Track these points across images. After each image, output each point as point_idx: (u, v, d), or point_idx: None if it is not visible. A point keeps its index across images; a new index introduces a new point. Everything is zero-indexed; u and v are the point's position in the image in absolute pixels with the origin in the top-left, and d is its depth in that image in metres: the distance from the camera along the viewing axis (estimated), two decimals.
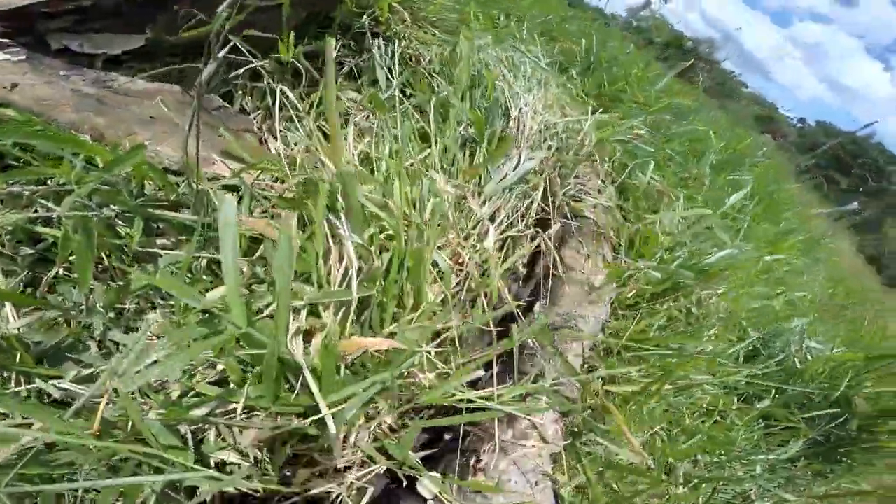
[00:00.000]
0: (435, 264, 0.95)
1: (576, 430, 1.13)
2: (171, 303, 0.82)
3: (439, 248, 1.00)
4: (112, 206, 0.86)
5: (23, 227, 0.81)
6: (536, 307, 1.21)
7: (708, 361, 1.70)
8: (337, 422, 0.66)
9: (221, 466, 0.73)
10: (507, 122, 1.47)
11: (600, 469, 1.10)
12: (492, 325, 1.03)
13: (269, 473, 0.72)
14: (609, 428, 1.11)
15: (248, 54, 1.21)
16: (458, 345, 0.93)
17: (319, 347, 0.72)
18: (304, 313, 0.76)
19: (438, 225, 0.96)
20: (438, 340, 0.94)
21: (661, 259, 1.74)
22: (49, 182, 0.85)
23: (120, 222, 0.87)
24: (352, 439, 0.77)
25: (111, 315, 0.80)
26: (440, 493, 0.78)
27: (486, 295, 1.01)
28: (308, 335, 0.76)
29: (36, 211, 0.82)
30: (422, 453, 0.87)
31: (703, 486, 1.45)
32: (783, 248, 2.89)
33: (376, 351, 0.80)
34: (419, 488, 0.79)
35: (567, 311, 1.23)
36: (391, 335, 0.84)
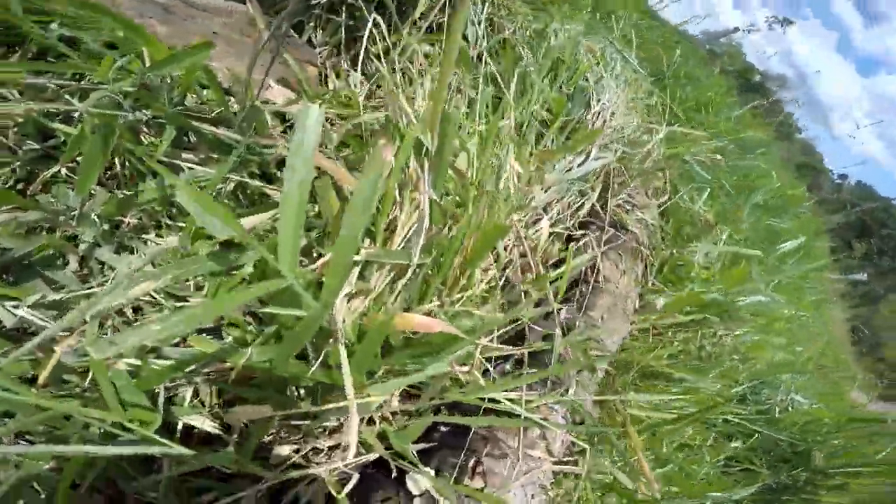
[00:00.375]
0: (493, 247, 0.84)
1: (584, 447, 1.05)
2: (182, 224, 0.70)
3: None
4: (144, 111, 0.74)
5: (36, 121, 0.68)
6: (563, 311, 1.11)
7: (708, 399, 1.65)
8: (360, 412, 0.56)
9: (189, 432, 0.62)
10: (585, 114, 1.34)
11: (601, 493, 1.03)
12: (527, 322, 0.92)
13: (244, 449, 0.60)
14: (624, 451, 1.03)
15: None
16: (493, 340, 0.81)
17: (369, 320, 0.61)
18: (356, 272, 0.63)
19: (505, 201, 0.84)
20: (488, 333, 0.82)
21: (690, 291, 1.64)
22: (82, 82, 0.72)
23: (147, 130, 0.75)
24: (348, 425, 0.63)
25: (105, 227, 0.67)
26: (435, 489, 0.68)
27: (525, 293, 0.90)
28: (350, 299, 0.64)
29: (57, 109, 0.69)
30: (419, 446, 0.77)
31: None
32: (804, 304, 2.78)
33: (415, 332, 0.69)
34: (408, 482, 0.70)
35: (596, 323, 1.13)
36: (427, 314, 0.73)
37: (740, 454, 2.02)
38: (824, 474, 2.05)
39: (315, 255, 0.72)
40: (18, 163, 0.69)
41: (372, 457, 0.68)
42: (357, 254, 0.62)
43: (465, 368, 0.74)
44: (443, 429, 0.86)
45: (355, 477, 0.63)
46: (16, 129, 0.70)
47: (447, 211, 0.74)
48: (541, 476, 0.83)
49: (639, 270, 1.51)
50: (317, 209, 0.77)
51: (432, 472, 0.70)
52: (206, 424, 0.59)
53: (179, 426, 0.59)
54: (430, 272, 0.73)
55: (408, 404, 0.75)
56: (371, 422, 0.73)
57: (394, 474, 0.68)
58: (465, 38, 1.28)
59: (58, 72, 0.71)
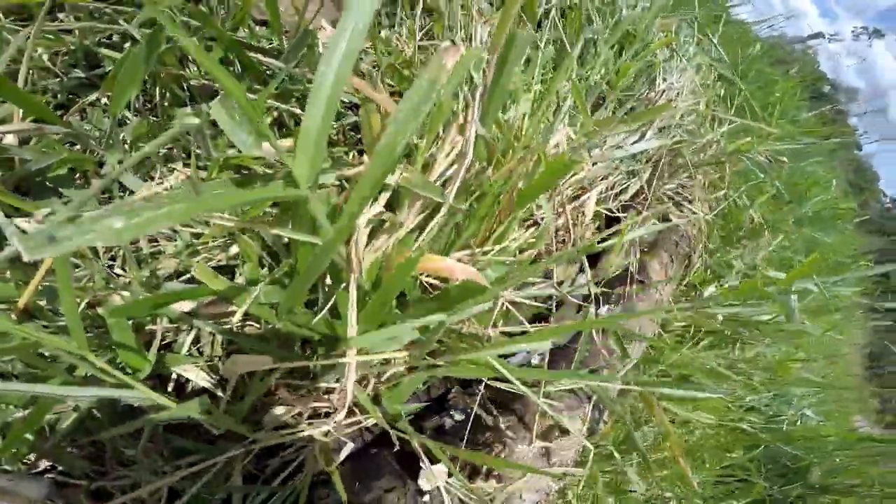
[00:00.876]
0: (539, 207, 0.75)
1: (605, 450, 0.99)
2: (215, 155, 0.62)
3: None
4: (197, 34, 0.67)
5: (84, 46, 0.63)
6: (604, 310, 1.01)
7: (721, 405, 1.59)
8: (362, 368, 0.49)
9: (182, 386, 0.57)
10: (648, 92, 1.21)
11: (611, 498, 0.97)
12: (559, 292, 0.84)
13: (237, 409, 0.54)
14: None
15: None
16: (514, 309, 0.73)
17: (390, 263, 0.52)
18: (382, 200, 0.53)
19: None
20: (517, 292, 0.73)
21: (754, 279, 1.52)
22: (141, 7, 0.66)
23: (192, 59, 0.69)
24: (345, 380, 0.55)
25: (133, 154, 0.61)
26: (448, 484, 0.61)
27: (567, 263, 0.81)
28: (373, 233, 0.55)
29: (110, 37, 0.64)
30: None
31: None
32: (830, 322, 2.61)
33: (437, 277, 0.61)
34: (421, 480, 0.62)
35: (633, 330, 1.04)
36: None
37: (739, 464, 1.98)
38: (818, 491, 2.04)
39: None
40: (59, 89, 0.66)
41: (369, 423, 0.61)
42: (392, 173, 0.52)
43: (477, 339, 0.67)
44: (456, 417, 0.79)
45: (349, 446, 0.57)
46: (66, 56, 0.66)
47: (492, 151, 0.65)
48: (554, 482, 0.76)
49: (680, 270, 1.40)
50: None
51: (446, 471, 0.63)
52: (200, 377, 0.54)
53: (172, 377, 0.55)
54: (462, 220, 0.65)
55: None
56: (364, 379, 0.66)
57: (395, 448, 0.61)
58: None
59: None
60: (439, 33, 0.89)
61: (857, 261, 3.63)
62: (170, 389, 0.57)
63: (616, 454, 1.04)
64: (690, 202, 1.48)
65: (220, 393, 0.54)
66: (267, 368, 0.51)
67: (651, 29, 1.37)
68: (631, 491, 1.17)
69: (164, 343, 0.56)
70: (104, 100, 0.66)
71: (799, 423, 2.27)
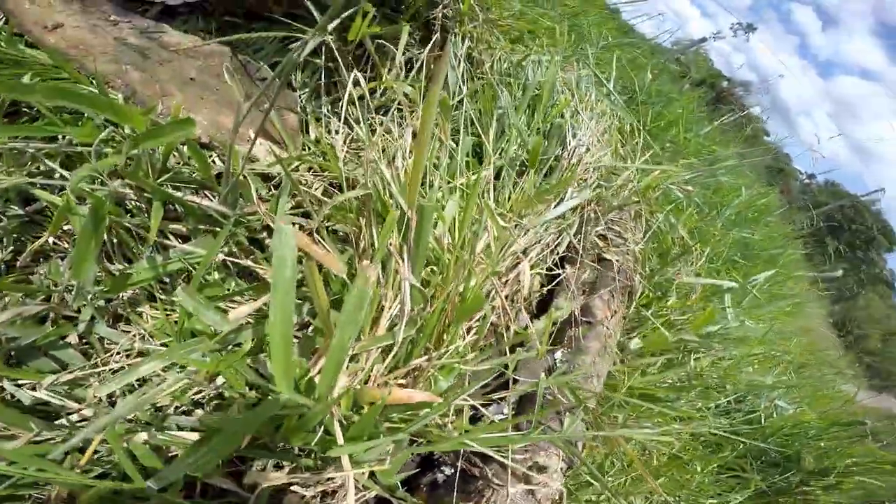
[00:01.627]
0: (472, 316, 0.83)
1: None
2: (175, 299, 0.70)
3: None
4: (129, 183, 0.73)
5: (18, 187, 0.69)
6: (558, 354, 1.10)
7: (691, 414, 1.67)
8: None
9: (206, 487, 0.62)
10: (562, 151, 1.34)
11: None
12: (510, 368, 0.92)
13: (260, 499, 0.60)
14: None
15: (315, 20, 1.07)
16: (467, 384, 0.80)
17: (361, 393, 0.61)
18: (345, 363, 0.63)
19: (483, 262, 0.84)
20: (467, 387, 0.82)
21: (659, 334, 1.64)
22: (60, 139, 0.72)
23: (132, 197, 0.74)
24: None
25: (101, 303, 0.68)
26: None
27: (507, 335, 0.90)
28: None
29: (38, 168, 0.70)
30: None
31: None
32: (779, 314, 2.81)
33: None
34: None
35: (588, 370, 1.12)
36: (410, 372, 0.73)
37: (731, 462, 2.06)
38: (818, 475, 2.11)
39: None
40: (2, 231, 0.69)
41: (370, 495, 0.68)
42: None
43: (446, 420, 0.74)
44: (446, 471, 0.85)
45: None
46: None
47: (427, 289, 0.74)
48: None
49: (623, 300, 1.51)
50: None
51: None
52: (225, 483, 0.59)
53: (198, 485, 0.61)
54: (415, 336, 0.73)
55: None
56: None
57: None
58: (445, 82, 1.28)
59: (37, 136, 0.70)
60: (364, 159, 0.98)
61: (786, 248, 3.92)
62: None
63: (593, 482, 1.09)
64: (620, 236, 1.61)
65: (242, 492, 0.60)
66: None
67: (556, 87, 1.53)
68: None
69: None
70: (51, 239, 0.70)
71: (774, 414, 2.34)
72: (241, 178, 0.78)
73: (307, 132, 1.17)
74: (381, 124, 1.06)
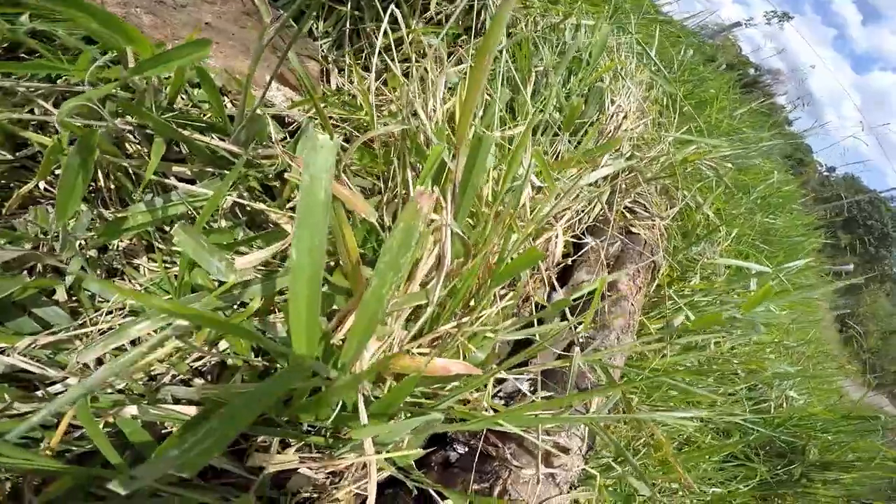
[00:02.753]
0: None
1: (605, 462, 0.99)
2: (176, 248, 0.62)
3: None
4: (129, 119, 0.65)
5: (6, 129, 0.60)
6: (580, 329, 1.03)
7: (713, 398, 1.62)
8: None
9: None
10: (598, 115, 1.24)
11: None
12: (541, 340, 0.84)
13: (261, 483, 0.53)
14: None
15: None
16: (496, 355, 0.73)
17: (384, 363, 0.53)
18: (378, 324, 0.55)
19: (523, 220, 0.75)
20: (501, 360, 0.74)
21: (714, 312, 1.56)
22: (58, 81, 0.63)
23: (133, 138, 0.66)
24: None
25: (92, 253, 0.59)
26: None
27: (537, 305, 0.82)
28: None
29: (31, 112, 0.60)
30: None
31: None
32: (795, 303, 2.71)
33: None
34: None
35: (613, 340, 1.05)
36: (435, 340, 0.65)
37: (738, 450, 2.04)
38: (819, 468, 2.09)
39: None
40: None
41: (384, 475, 0.62)
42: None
43: (477, 395, 0.67)
44: (459, 450, 0.79)
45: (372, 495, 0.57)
46: None
47: (468, 242, 0.66)
48: (563, 501, 0.76)
49: (647, 278, 1.43)
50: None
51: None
52: (224, 462, 0.53)
53: None
54: (448, 301, 0.65)
55: None
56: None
57: (413, 493, 0.62)
58: (458, 36, 1.18)
59: (30, 72, 0.61)
60: (397, 97, 0.89)
61: (808, 238, 3.80)
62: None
63: (614, 465, 1.05)
64: (647, 210, 1.52)
65: (244, 473, 0.53)
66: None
67: (595, 49, 1.42)
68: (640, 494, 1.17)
69: None
70: (42, 184, 0.61)
71: (784, 405, 2.31)
72: (257, 115, 0.70)
73: (328, 82, 1.09)
74: (415, 70, 0.97)
